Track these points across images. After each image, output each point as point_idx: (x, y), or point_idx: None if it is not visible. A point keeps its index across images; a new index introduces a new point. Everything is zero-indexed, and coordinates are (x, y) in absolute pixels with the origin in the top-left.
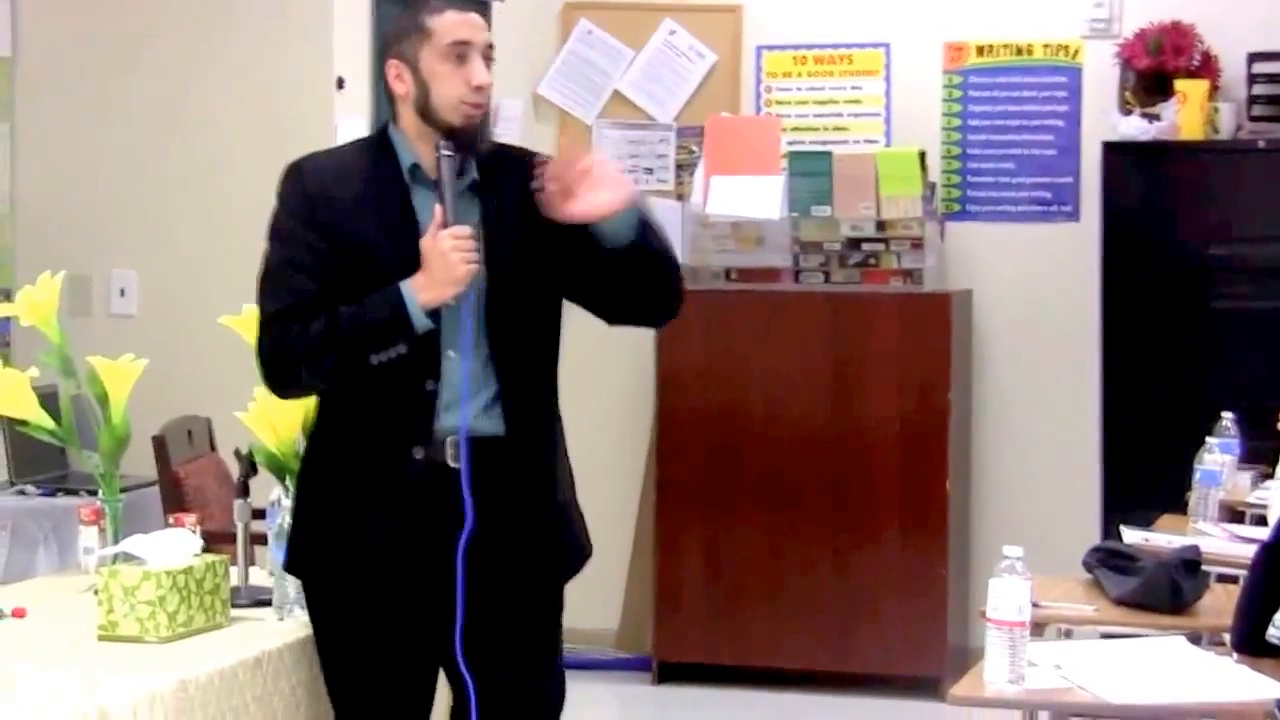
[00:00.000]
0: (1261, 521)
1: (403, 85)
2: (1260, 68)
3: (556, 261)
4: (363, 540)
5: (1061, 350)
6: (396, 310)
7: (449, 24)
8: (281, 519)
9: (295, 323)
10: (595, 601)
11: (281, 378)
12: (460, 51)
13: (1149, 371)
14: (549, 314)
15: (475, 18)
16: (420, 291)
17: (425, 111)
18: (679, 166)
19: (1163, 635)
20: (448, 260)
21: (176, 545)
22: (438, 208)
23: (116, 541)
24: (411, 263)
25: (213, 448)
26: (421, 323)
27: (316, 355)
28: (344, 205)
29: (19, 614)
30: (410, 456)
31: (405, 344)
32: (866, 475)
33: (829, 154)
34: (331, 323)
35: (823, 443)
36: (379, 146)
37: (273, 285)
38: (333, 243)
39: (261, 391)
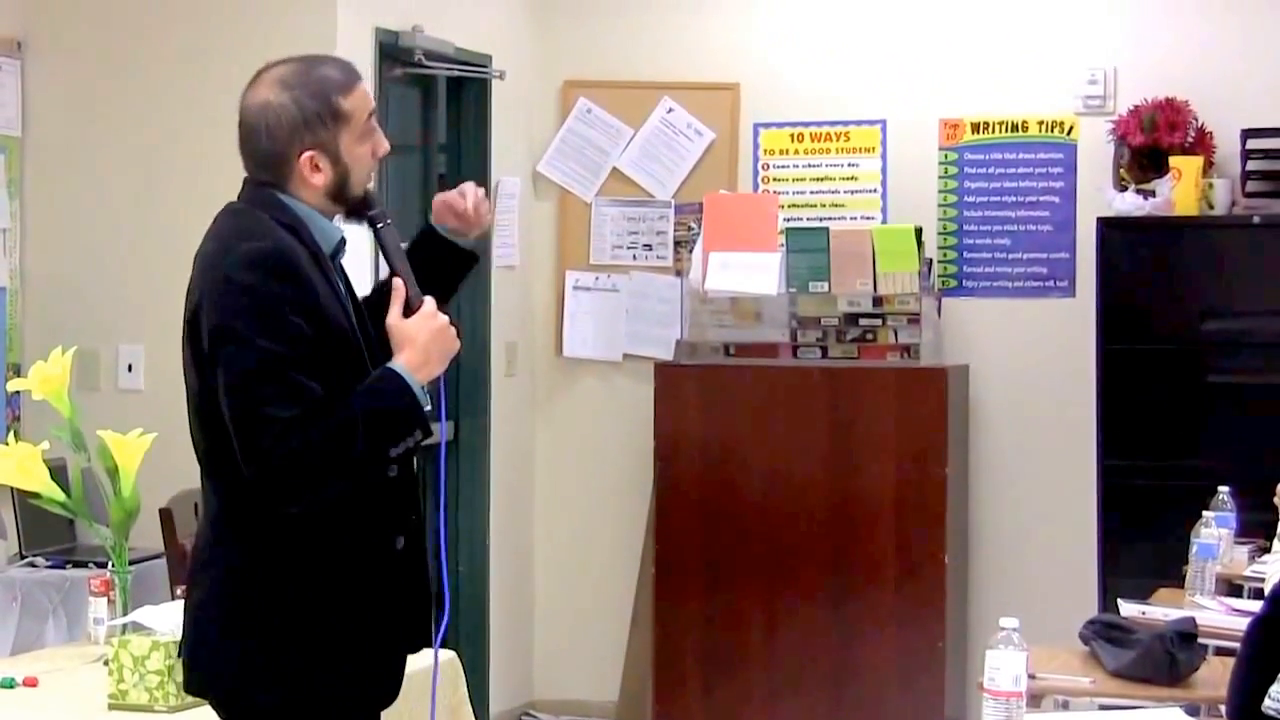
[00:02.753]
0: (1259, 595)
1: (320, 175)
2: (1254, 144)
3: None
4: (373, 654)
5: (1059, 424)
6: (407, 397)
7: (360, 99)
8: None
9: (313, 427)
10: (595, 673)
11: (302, 489)
12: (371, 124)
13: (1146, 445)
14: None
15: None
16: (416, 371)
17: (339, 193)
18: (677, 243)
19: (1159, 707)
20: (446, 337)
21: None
22: (398, 282)
23: (126, 612)
24: (373, 345)
25: None
26: (427, 406)
27: (343, 460)
28: (313, 289)
29: (30, 683)
30: (393, 547)
31: (421, 431)
32: (864, 548)
33: (826, 230)
34: (348, 422)
35: (820, 516)
36: (292, 226)
37: (277, 387)
38: (316, 332)
39: None
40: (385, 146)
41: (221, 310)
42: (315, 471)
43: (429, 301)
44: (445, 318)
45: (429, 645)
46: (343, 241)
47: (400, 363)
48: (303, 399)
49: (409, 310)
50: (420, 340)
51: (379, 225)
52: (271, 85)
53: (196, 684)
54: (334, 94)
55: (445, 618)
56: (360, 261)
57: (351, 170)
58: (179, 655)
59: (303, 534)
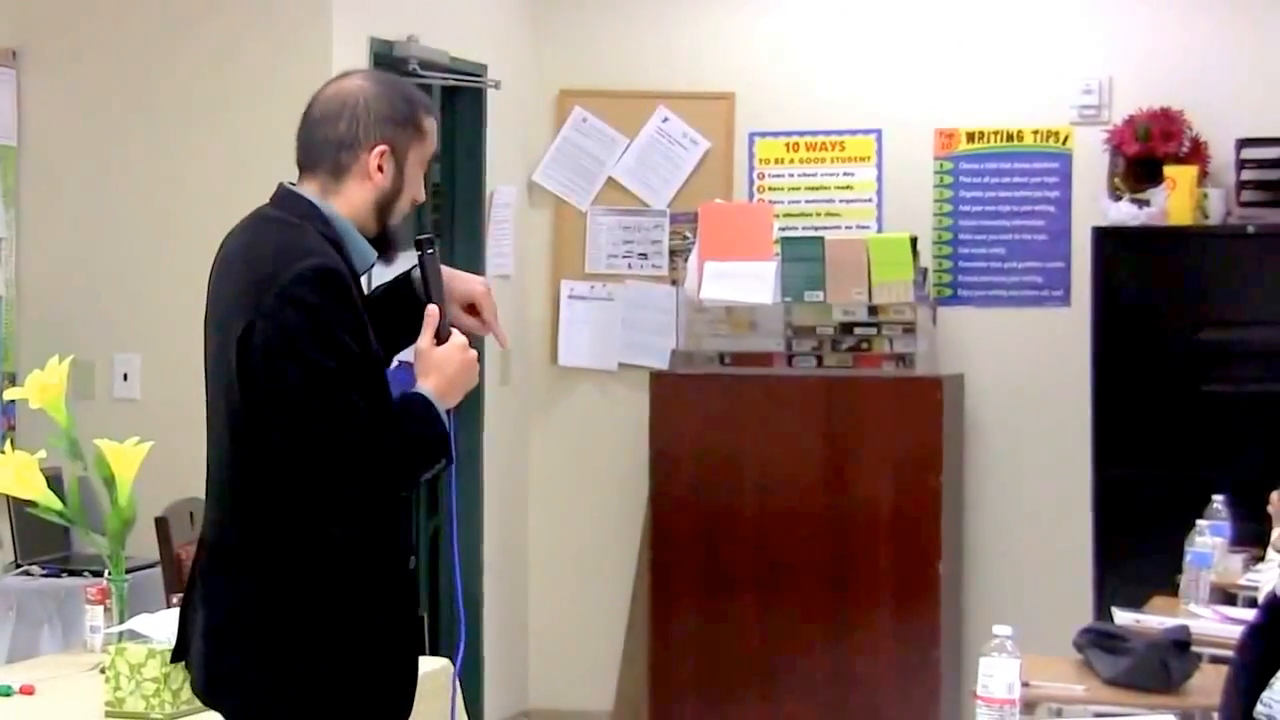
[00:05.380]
0: (1253, 604)
1: (382, 175)
2: (1249, 153)
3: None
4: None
5: (1053, 433)
6: (438, 423)
7: (433, 133)
8: None
9: (367, 447)
10: (590, 684)
11: (354, 508)
12: (428, 163)
13: (1140, 454)
14: None
15: None
16: (441, 400)
17: (385, 208)
18: (673, 252)
19: (1153, 715)
20: (473, 371)
21: None
22: (432, 309)
23: (123, 620)
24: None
25: None
26: (450, 433)
27: (392, 481)
28: (360, 309)
29: (27, 691)
30: (408, 567)
31: (446, 458)
32: (859, 557)
33: (821, 240)
34: (398, 444)
35: (815, 525)
36: (335, 242)
37: (334, 405)
38: (361, 351)
39: None
40: (423, 196)
41: (282, 328)
42: (368, 492)
43: (457, 334)
44: (474, 352)
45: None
46: (372, 265)
47: (428, 388)
48: (356, 418)
49: (438, 339)
50: (449, 370)
51: (428, 250)
52: (365, 78)
53: (216, 696)
54: (421, 110)
55: (463, 632)
56: None
57: (404, 189)
58: (173, 661)
59: (324, 556)
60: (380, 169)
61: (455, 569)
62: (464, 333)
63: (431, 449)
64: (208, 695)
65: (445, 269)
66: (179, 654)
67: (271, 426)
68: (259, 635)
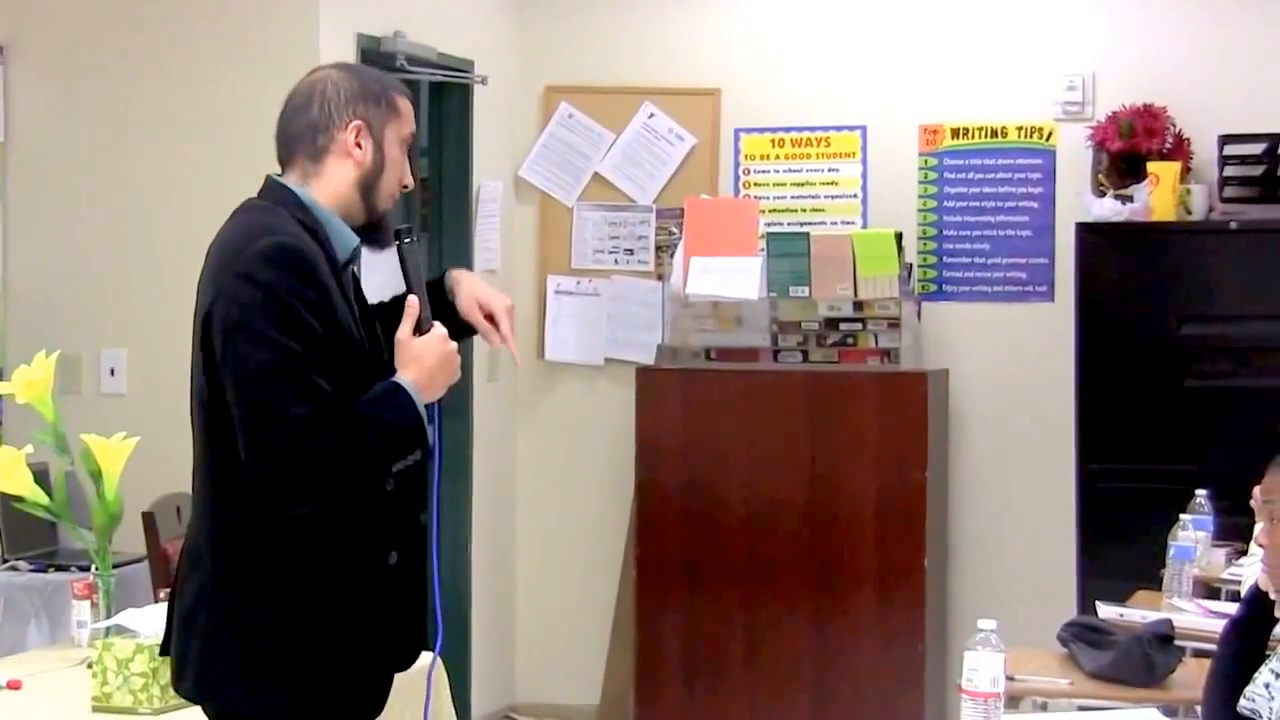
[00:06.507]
0: (1236, 597)
1: (360, 152)
2: (1231, 149)
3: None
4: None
5: (1037, 428)
6: (412, 413)
7: (408, 114)
8: None
9: (327, 428)
10: (576, 678)
11: (312, 489)
12: (409, 146)
13: (1124, 449)
14: None
15: None
16: (421, 391)
17: (370, 189)
18: (658, 248)
19: (1137, 708)
20: (452, 364)
21: None
22: (412, 299)
23: (109, 615)
24: (378, 358)
25: None
26: (427, 425)
27: (355, 464)
28: (328, 291)
29: (14, 685)
30: (386, 561)
31: (421, 450)
32: (844, 552)
33: (806, 235)
34: (360, 426)
35: (801, 520)
36: (312, 229)
37: (292, 385)
38: (327, 333)
39: None
40: (411, 181)
41: (238, 305)
42: (327, 471)
43: (439, 326)
44: (454, 345)
45: (417, 659)
46: (358, 249)
47: (407, 379)
48: (317, 398)
49: (418, 330)
50: (427, 362)
51: (405, 240)
52: (333, 66)
53: (187, 690)
54: (392, 89)
55: (440, 627)
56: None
57: (385, 169)
58: (161, 654)
59: (295, 543)
60: (359, 145)
61: (434, 562)
62: (483, 337)
63: (405, 439)
64: (178, 678)
65: (476, 277)
66: (165, 648)
67: (234, 404)
68: (225, 618)
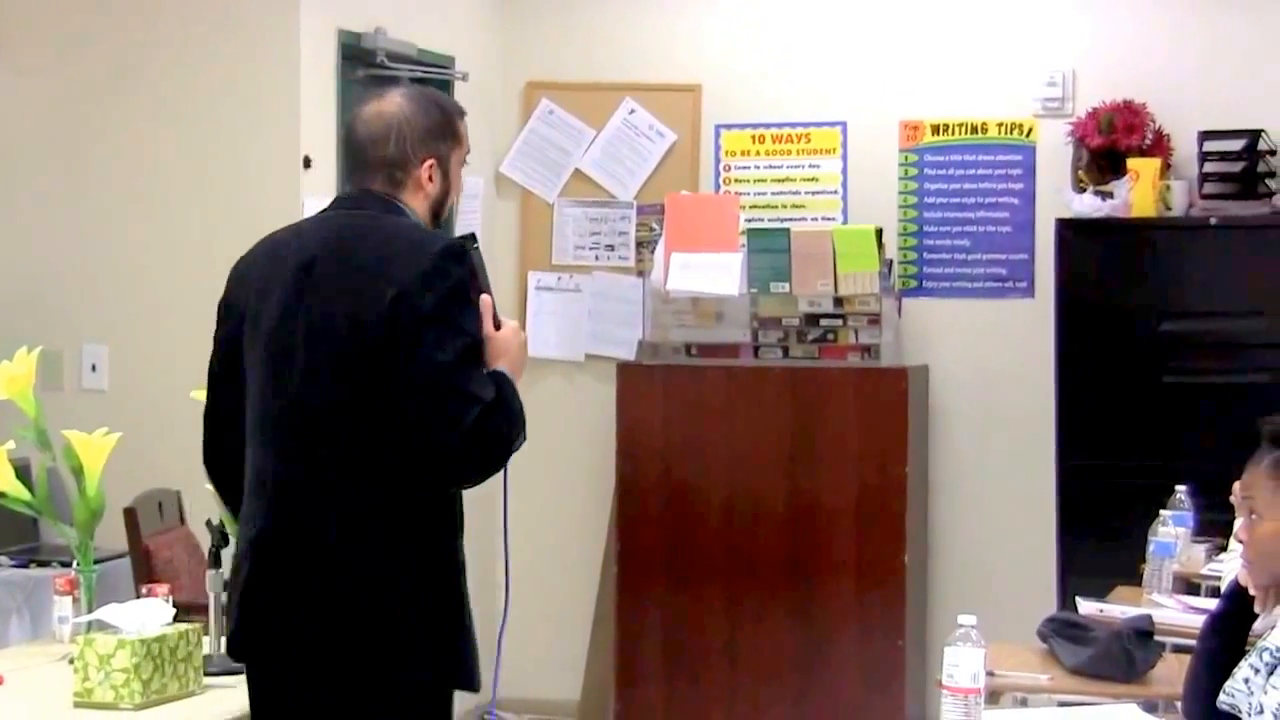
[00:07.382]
0: (1215, 593)
1: (432, 186)
2: (1211, 146)
3: None
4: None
5: (1017, 424)
6: (519, 400)
7: (466, 133)
8: None
9: (501, 410)
10: (557, 673)
11: (490, 466)
12: (465, 160)
13: (1104, 445)
14: None
15: None
16: (515, 379)
17: (437, 209)
18: (639, 244)
19: (1117, 704)
20: (526, 350)
21: (150, 614)
22: (486, 298)
23: (91, 611)
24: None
25: (183, 520)
26: None
27: (510, 444)
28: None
29: None
30: (461, 550)
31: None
32: (824, 547)
33: (787, 231)
34: (510, 414)
35: (781, 515)
36: None
37: (478, 372)
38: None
39: None
40: (463, 188)
41: (436, 295)
42: (504, 450)
43: (510, 320)
44: (525, 334)
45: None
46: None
47: (505, 369)
48: (490, 385)
49: (495, 326)
50: (513, 352)
51: (474, 245)
52: (398, 98)
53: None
54: (455, 116)
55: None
56: None
57: (451, 191)
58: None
59: (438, 525)
60: (430, 179)
61: (505, 534)
62: None
63: (524, 422)
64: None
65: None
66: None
67: (420, 390)
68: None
